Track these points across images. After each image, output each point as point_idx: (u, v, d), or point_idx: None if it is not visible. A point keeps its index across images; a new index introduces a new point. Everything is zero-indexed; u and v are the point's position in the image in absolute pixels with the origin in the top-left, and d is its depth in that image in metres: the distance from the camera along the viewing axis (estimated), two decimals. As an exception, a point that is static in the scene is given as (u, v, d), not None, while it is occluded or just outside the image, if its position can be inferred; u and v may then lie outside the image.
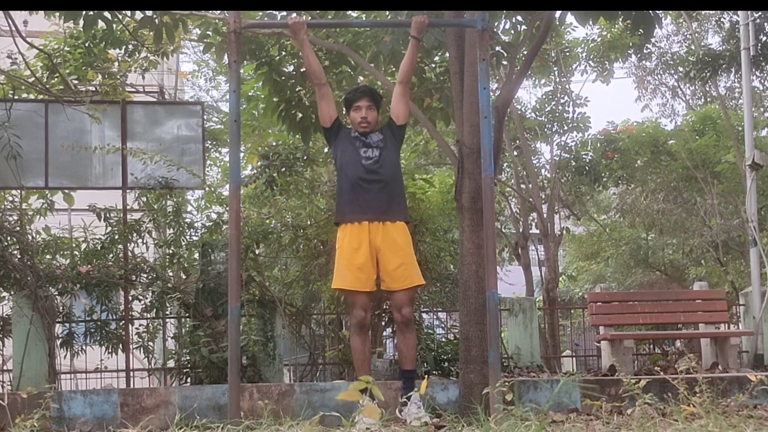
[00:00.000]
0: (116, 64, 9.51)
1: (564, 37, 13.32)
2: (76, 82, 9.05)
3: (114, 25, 7.84)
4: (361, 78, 8.44)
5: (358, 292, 5.43)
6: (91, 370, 8.67)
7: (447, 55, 7.14)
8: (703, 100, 17.34)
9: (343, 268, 5.46)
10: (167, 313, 8.26)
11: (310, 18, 7.14)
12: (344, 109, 5.94)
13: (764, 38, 10.56)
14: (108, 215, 8.21)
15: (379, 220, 5.45)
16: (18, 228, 7.88)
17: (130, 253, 8.14)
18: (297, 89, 8.16)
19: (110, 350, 8.14)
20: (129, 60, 9.34)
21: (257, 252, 8.37)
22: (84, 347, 8.14)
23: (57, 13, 7.70)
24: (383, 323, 8.74)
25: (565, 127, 13.81)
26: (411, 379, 5.53)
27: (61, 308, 7.91)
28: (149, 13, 7.48)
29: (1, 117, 7.90)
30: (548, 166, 14.42)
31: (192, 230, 8.33)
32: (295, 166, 9.07)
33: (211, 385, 6.75)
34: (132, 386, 8.13)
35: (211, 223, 8.32)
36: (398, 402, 5.42)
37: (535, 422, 3.93)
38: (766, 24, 10.60)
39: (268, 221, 8.80)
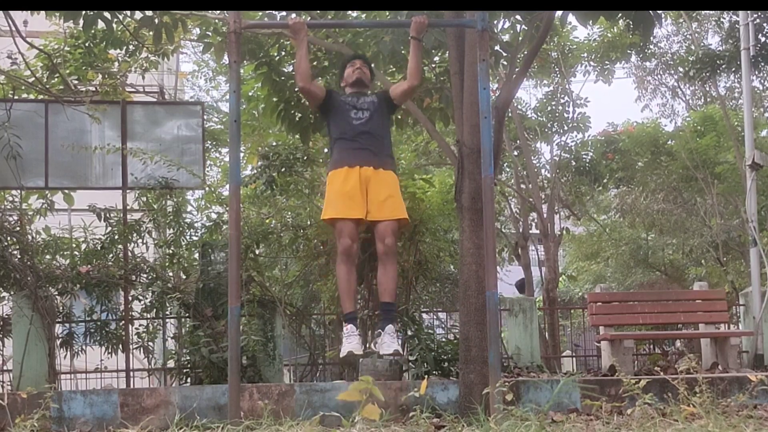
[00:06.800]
0: (116, 64, 9.51)
1: (568, 37, 13.31)
2: (76, 82, 9.05)
3: (114, 25, 7.84)
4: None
5: (346, 220, 5.41)
6: (91, 370, 8.66)
7: (447, 55, 7.14)
8: (703, 100, 17.30)
9: (333, 197, 5.48)
10: (167, 313, 8.25)
11: (309, 18, 7.15)
12: (339, 76, 5.95)
13: (764, 38, 10.56)
14: (108, 215, 8.21)
15: (370, 165, 5.47)
16: (18, 228, 7.88)
17: (130, 253, 8.14)
18: (296, 89, 8.15)
19: (110, 350, 8.14)
20: (129, 60, 9.34)
21: (257, 252, 8.37)
22: (84, 347, 8.13)
23: (57, 13, 7.70)
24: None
25: (566, 127, 13.80)
26: (389, 311, 5.45)
27: (61, 308, 7.91)
28: (149, 13, 7.48)
29: (1, 117, 7.90)
30: (548, 166, 14.40)
31: (192, 230, 8.33)
32: (295, 166, 9.08)
33: (211, 385, 6.76)
34: (132, 386, 8.13)
35: (211, 223, 8.32)
36: (375, 338, 5.32)
37: (535, 422, 3.94)
38: (766, 24, 10.59)
39: (268, 221, 8.79)
